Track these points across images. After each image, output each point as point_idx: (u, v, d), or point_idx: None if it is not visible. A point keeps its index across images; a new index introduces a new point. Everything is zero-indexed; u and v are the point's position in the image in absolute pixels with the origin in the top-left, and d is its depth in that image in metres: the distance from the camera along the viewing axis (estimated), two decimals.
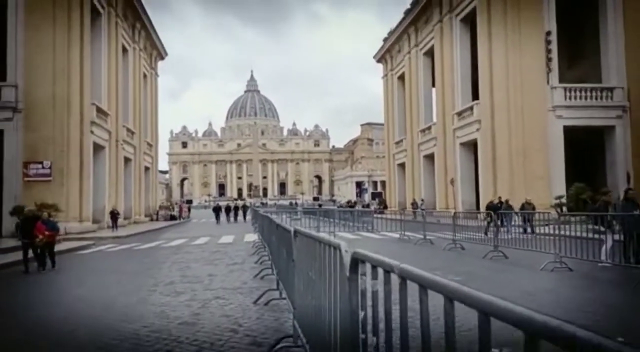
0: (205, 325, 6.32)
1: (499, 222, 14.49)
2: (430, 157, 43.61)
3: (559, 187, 29.82)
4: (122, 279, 11.12)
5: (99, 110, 31.90)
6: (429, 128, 43.43)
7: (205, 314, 6.99)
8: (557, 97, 31.15)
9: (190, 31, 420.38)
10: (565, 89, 31.36)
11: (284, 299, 6.97)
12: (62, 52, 27.47)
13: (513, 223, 17.61)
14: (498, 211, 18.05)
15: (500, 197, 26.14)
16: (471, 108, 35.19)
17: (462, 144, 37.10)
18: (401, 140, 50.45)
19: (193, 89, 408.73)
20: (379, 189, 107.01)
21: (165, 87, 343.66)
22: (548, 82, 31.20)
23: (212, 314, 6.97)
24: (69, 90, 27.66)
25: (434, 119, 42.85)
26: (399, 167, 51.61)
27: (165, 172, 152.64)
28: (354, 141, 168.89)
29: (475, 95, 36.88)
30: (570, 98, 31.22)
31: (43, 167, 26.96)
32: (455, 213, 18.65)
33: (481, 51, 33.00)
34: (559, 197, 28.43)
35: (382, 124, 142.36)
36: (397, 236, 19.97)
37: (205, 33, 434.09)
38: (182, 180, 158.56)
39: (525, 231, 16.12)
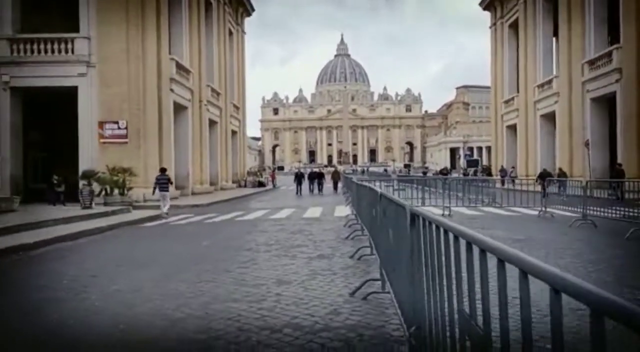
0: None
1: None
2: (548, 117, 37.32)
3: None
4: (138, 284, 7.00)
5: (180, 66, 29.28)
6: (550, 82, 36.94)
7: None
8: None
9: None
10: None
11: None
12: (136, 2, 24.92)
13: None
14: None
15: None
16: (609, 54, 28.68)
17: (593, 100, 30.78)
18: (512, 99, 44.09)
19: (286, 54, 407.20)
20: (475, 155, 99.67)
21: (257, 51, 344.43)
22: None
23: None
24: (143, 43, 25.16)
25: (555, 72, 36.40)
26: (508, 129, 45.41)
27: (258, 139, 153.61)
28: (448, 106, 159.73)
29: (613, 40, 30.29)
30: None
31: (119, 127, 24.88)
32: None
33: None
34: None
35: (479, 87, 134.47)
36: (535, 212, 15.21)
37: None
38: (274, 147, 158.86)
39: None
